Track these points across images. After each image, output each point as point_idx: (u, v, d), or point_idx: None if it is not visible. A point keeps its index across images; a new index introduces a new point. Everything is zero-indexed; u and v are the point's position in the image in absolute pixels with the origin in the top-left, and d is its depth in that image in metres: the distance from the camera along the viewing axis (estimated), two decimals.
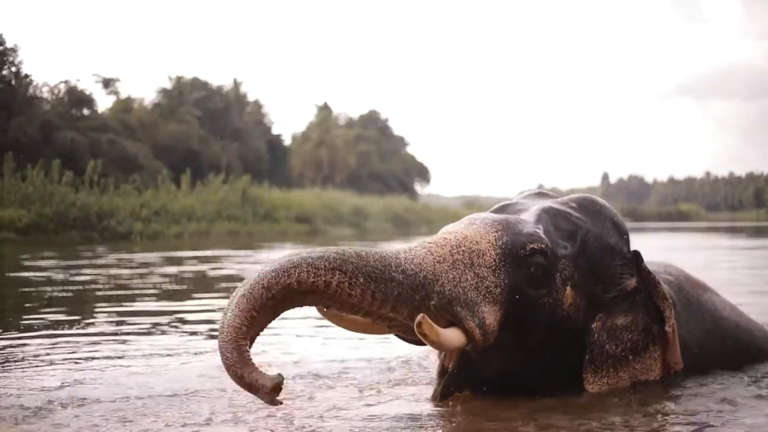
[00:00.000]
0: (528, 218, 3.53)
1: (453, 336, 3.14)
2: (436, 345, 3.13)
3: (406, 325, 3.09)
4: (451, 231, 3.39)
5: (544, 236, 3.41)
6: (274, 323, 2.94)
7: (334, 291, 2.92)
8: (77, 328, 6.00)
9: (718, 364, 4.02)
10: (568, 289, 3.42)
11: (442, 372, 3.50)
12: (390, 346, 4.79)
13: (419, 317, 2.97)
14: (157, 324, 6.21)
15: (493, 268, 3.27)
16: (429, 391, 3.66)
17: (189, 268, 13.51)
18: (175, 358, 4.73)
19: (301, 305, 2.99)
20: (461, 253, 3.25)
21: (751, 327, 4.34)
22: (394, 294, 3.02)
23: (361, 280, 2.95)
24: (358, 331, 3.43)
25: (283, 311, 2.94)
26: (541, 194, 3.95)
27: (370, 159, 68.16)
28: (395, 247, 3.21)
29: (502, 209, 3.78)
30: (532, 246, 3.33)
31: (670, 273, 4.12)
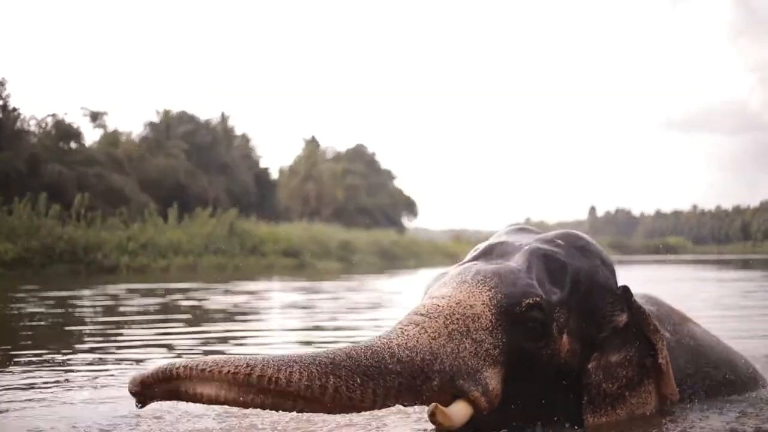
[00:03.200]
0: (518, 265, 3.48)
1: (463, 411, 3.09)
2: (451, 428, 3.07)
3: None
4: (443, 295, 3.32)
5: (538, 288, 3.36)
6: None
7: (332, 396, 2.87)
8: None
9: (700, 395, 4.02)
10: (565, 336, 3.39)
11: None
12: None
13: (432, 407, 2.96)
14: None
15: (490, 329, 3.22)
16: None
17: (161, 300, 13.47)
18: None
19: (292, 410, 2.92)
20: (456, 321, 3.19)
21: (732, 357, 4.36)
22: (395, 386, 2.98)
23: (359, 380, 2.91)
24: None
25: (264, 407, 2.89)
26: (523, 230, 3.90)
27: (357, 193, 68.21)
28: (387, 331, 3.13)
29: (489, 250, 3.71)
30: (528, 301, 3.28)
31: (653, 304, 4.13)
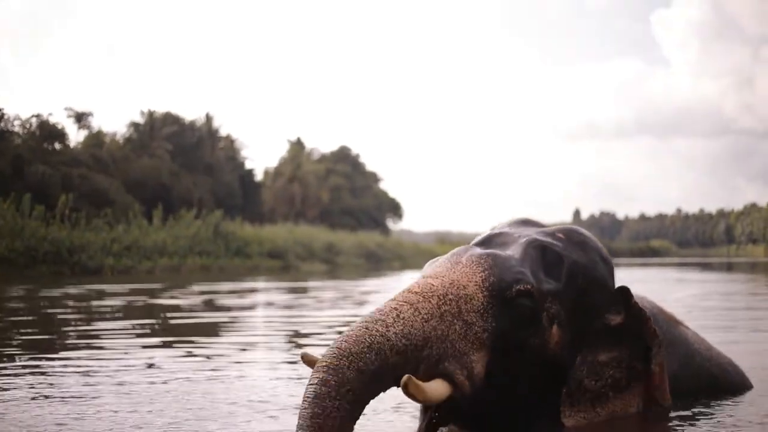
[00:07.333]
0: (514, 253, 3.47)
1: (440, 389, 3.09)
2: (425, 402, 3.09)
3: None
4: (437, 275, 3.32)
5: (530, 276, 3.35)
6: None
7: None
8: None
9: (692, 398, 4.04)
10: (555, 327, 3.37)
11: (426, 407, 3.41)
12: None
13: (404, 378, 2.94)
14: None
15: (481, 312, 3.22)
16: (414, 425, 3.63)
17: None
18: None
19: None
20: (448, 302, 3.19)
21: (722, 361, 4.37)
22: (393, 375, 3.00)
23: (364, 393, 2.95)
24: None
25: None
26: (526, 222, 3.90)
27: (342, 195, 68.13)
28: (382, 310, 3.10)
29: (488, 240, 3.71)
30: (518, 287, 3.27)
31: (643, 306, 4.12)
